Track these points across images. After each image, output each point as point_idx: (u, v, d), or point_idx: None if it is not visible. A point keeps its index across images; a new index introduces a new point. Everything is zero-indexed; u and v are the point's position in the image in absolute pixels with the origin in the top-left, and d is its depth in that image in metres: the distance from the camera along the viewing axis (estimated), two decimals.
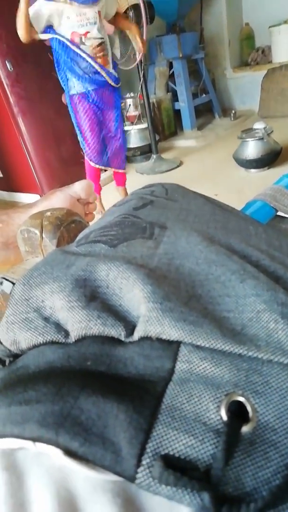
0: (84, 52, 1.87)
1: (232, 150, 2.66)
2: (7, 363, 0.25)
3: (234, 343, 0.21)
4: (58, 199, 0.64)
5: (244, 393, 0.19)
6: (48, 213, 0.57)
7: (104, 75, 1.95)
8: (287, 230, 0.59)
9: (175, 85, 3.76)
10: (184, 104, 3.75)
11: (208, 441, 0.17)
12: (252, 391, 0.19)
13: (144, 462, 0.16)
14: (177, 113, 3.89)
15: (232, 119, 3.99)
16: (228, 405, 0.18)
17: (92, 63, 1.89)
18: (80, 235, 0.39)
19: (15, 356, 0.25)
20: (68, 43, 1.84)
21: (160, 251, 0.30)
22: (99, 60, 1.91)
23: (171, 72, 3.77)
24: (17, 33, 2.38)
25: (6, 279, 0.45)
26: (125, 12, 2.84)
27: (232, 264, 0.27)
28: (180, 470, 0.16)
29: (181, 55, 3.53)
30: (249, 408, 0.18)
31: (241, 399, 0.19)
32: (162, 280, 0.25)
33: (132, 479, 0.16)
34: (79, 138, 2.16)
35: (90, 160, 2.20)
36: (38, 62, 2.55)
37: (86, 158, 2.22)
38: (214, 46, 4.19)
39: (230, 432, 0.17)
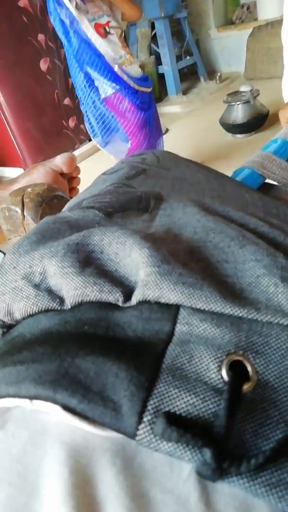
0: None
1: (218, 115, 2.60)
2: (0, 334, 0.24)
3: (234, 306, 0.21)
4: (39, 174, 0.62)
5: (244, 353, 0.19)
6: (29, 190, 0.55)
7: (140, 88, 1.78)
8: (277, 197, 0.58)
9: (158, 47, 3.60)
10: (168, 68, 3.62)
11: (209, 400, 0.17)
12: (253, 351, 0.19)
13: (145, 419, 0.16)
14: (161, 77, 3.75)
15: (217, 82, 3.87)
16: (229, 365, 0.18)
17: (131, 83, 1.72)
18: (71, 203, 0.37)
19: (9, 327, 0.25)
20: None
21: (156, 223, 0.30)
22: (127, 50, 1.75)
23: (153, 33, 3.61)
24: None
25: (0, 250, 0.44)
26: None
27: (231, 231, 0.27)
28: (182, 427, 0.16)
29: (163, 15, 3.36)
30: (249, 368, 0.18)
31: (241, 358, 0.19)
32: (160, 243, 0.25)
33: (133, 436, 0.16)
34: (126, 135, 1.90)
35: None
36: (11, 25, 2.40)
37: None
38: (197, 3, 4.00)
39: (231, 390, 0.17)
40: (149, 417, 0.17)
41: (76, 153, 2.97)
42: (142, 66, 3.50)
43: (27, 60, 2.53)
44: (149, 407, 0.17)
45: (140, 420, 0.16)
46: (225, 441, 0.16)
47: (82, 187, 0.67)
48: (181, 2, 3.66)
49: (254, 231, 0.28)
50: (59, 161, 0.62)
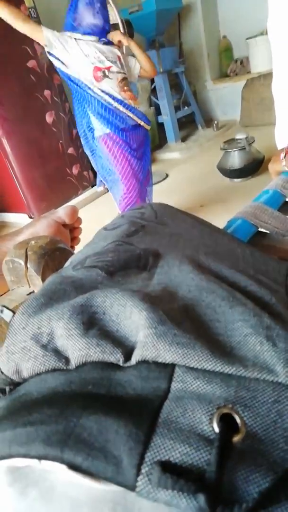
0: (114, 99, 1.79)
1: (216, 160, 2.70)
2: (7, 392, 0.26)
3: (224, 364, 0.22)
4: (42, 226, 0.65)
5: (233, 407, 0.20)
6: (32, 242, 0.58)
7: (135, 118, 1.86)
8: (269, 246, 0.60)
9: (157, 99, 3.82)
10: (167, 117, 3.81)
11: (202, 449, 0.18)
12: (241, 405, 0.21)
13: (143, 471, 0.17)
14: (161, 126, 3.95)
15: (215, 129, 4.06)
16: (219, 418, 0.20)
17: (123, 109, 1.81)
18: (75, 260, 0.40)
19: (15, 384, 0.26)
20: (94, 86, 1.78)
21: (154, 282, 0.32)
22: (128, 94, 1.83)
23: (153, 86, 3.84)
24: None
25: (7, 308, 0.46)
26: None
27: (222, 291, 0.29)
28: (177, 475, 0.17)
29: (161, 70, 3.60)
30: (238, 420, 0.19)
31: (231, 411, 0.20)
32: (157, 302, 0.27)
33: (132, 488, 0.17)
34: (120, 182, 1.97)
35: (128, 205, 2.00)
36: (21, 82, 2.58)
37: (122, 203, 2.01)
38: (193, 59, 4.29)
39: (221, 440, 0.18)
40: (146, 469, 0.18)
41: (79, 198, 3.07)
42: None
43: (34, 113, 2.68)
44: (147, 459, 0.18)
45: (138, 472, 0.17)
46: (217, 487, 0.17)
47: (83, 233, 0.70)
48: (179, 58, 3.92)
49: (244, 289, 0.30)
50: (61, 213, 0.65)
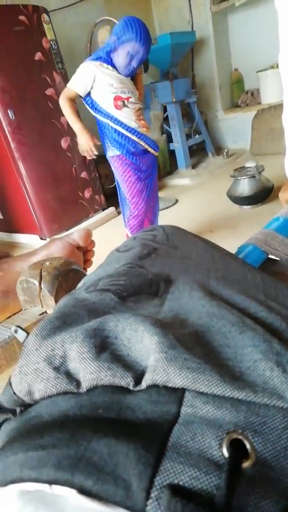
0: (129, 130, 1.93)
1: (226, 187, 2.74)
2: (18, 413, 0.26)
3: (234, 389, 0.22)
4: (57, 248, 0.66)
5: (243, 432, 0.20)
6: (47, 263, 0.59)
7: (145, 145, 1.98)
8: (279, 273, 0.60)
9: (169, 127, 3.92)
10: (178, 145, 3.90)
11: (211, 473, 0.18)
12: (251, 430, 0.21)
13: (152, 495, 0.17)
14: (172, 153, 4.03)
15: (225, 157, 4.13)
16: (229, 443, 0.20)
17: (135, 138, 1.94)
18: (88, 281, 0.40)
19: (26, 406, 0.26)
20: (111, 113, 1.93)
21: (165, 308, 0.32)
22: (142, 123, 1.96)
23: (165, 115, 3.95)
24: (19, 83, 2.53)
25: (21, 328, 0.47)
26: None
27: (232, 317, 0.29)
28: (186, 499, 0.17)
29: (174, 100, 3.71)
30: (248, 446, 0.19)
31: (240, 437, 0.20)
32: (168, 328, 0.27)
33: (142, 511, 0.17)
34: (127, 200, 2.12)
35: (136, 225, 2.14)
36: (38, 109, 2.68)
37: (131, 221, 2.14)
38: (205, 90, 4.42)
39: (231, 465, 0.18)
40: (156, 493, 0.18)
41: (90, 221, 3.11)
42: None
43: (49, 139, 2.77)
44: (156, 483, 0.18)
45: (148, 496, 0.17)
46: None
47: (96, 255, 0.71)
48: (191, 89, 4.05)
49: (254, 315, 0.31)
50: (76, 236, 0.66)
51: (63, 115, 2.06)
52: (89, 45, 3.31)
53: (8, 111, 2.52)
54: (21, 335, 0.46)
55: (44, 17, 2.66)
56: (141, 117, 1.98)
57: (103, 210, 3.26)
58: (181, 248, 0.46)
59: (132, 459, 0.19)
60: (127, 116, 1.92)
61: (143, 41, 1.80)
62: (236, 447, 0.20)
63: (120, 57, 1.85)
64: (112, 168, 2.09)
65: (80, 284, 0.42)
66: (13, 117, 2.54)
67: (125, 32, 1.79)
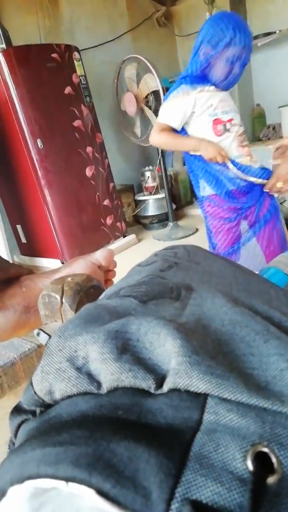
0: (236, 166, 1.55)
1: None
2: (37, 413, 0.26)
3: (259, 397, 0.21)
4: (80, 266, 0.68)
5: (269, 445, 0.19)
6: (69, 279, 0.60)
7: (254, 179, 1.59)
8: None
9: None
10: None
11: (234, 489, 0.17)
12: (277, 443, 0.19)
13: (173, 507, 0.17)
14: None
15: None
16: (254, 456, 0.19)
17: (241, 175, 1.56)
18: (109, 292, 0.41)
19: (46, 407, 0.26)
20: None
21: (187, 312, 0.32)
22: (245, 150, 1.61)
23: None
24: (49, 114, 2.66)
25: (43, 331, 0.48)
26: (146, 97, 3.15)
27: (256, 325, 0.28)
28: None
29: None
30: (274, 460, 0.19)
31: (266, 450, 0.19)
32: (190, 334, 0.26)
33: None
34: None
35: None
36: (66, 139, 2.80)
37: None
38: None
39: (255, 481, 0.17)
40: (176, 505, 0.17)
41: (111, 247, 3.15)
42: (176, 174, 3.87)
43: (75, 167, 2.87)
44: (177, 495, 0.17)
45: (168, 508, 0.17)
46: None
47: (115, 278, 0.72)
48: None
49: (278, 325, 0.30)
50: (99, 256, 0.68)
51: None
52: (116, 81, 3.47)
53: (37, 140, 2.64)
54: (43, 337, 0.46)
55: (75, 55, 2.83)
56: (244, 143, 1.61)
57: (124, 237, 3.30)
58: (202, 264, 0.47)
59: (153, 466, 0.18)
60: (228, 144, 1.55)
61: (243, 41, 1.39)
62: (261, 460, 0.19)
63: (218, 70, 1.47)
64: (204, 212, 1.70)
65: (101, 296, 0.43)
66: (42, 146, 2.66)
67: (220, 36, 1.39)
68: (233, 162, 1.57)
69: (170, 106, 1.56)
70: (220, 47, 1.41)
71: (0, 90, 2.60)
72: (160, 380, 0.24)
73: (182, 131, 1.61)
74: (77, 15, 3.52)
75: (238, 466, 0.18)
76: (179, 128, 1.57)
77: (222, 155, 1.52)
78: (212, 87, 1.53)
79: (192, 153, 1.60)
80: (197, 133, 1.57)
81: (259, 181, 1.59)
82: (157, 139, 1.61)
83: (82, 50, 3.02)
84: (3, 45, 2.61)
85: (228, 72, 1.48)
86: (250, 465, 0.18)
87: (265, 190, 1.57)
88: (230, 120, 1.55)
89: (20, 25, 3.12)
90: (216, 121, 1.53)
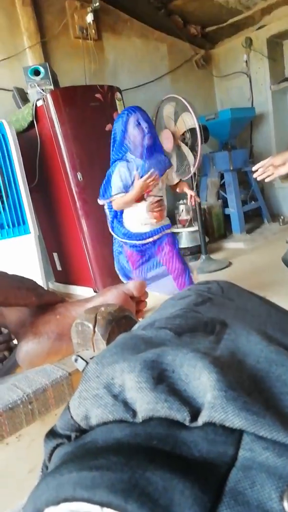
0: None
1: (280, 253, 2.68)
2: (73, 438, 0.26)
3: None
4: (112, 295, 0.69)
5: None
6: (102, 309, 0.62)
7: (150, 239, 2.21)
8: None
9: (226, 193, 4.03)
10: (233, 210, 3.97)
11: None
12: None
13: None
14: (227, 217, 4.10)
15: (281, 224, 4.11)
16: None
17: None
18: (143, 323, 0.41)
19: (81, 432, 0.26)
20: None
21: (222, 346, 0.32)
22: (154, 215, 2.18)
23: (222, 182, 4.09)
24: (89, 150, 2.80)
25: (81, 357, 0.49)
26: (183, 134, 3.25)
27: None
28: None
29: (231, 168, 3.86)
30: None
31: None
32: (226, 369, 0.26)
33: None
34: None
35: None
36: (104, 173, 2.91)
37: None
38: (262, 160, 4.54)
39: None
40: None
41: None
42: (209, 208, 3.90)
43: None
44: None
45: None
46: None
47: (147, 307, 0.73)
48: (249, 159, 4.19)
49: None
50: (131, 286, 0.69)
51: None
52: (155, 118, 3.61)
53: (77, 173, 2.78)
54: (80, 364, 0.48)
55: (117, 95, 2.99)
56: (157, 209, 2.17)
57: None
58: (236, 300, 0.47)
59: (188, 498, 0.18)
60: (139, 211, 2.13)
61: (138, 111, 2.01)
62: None
63: (132, 136, 2.04)
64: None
65: (135, 327, 0.44)
66: (81, 179, 2.79)
67: (119, 119, 2.04)
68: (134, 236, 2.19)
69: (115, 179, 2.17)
70: (122, 125, 2.04)
71: (46, 126, 2.78)
72: (195, 412, 0.23)
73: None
74: (121, 59, 3.77)
75: (274, 506, 0.18)
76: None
77: (151, 181, 2.04)
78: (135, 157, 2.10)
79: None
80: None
81: (159, 236, 2.20)
82: (119, 206, 2.22)
83: (124, 90, 3.19)
84: (51, 87, 2.82)
85: (140, 135, 2.06)
86: (286, 506, 0.18)
87: (254, 172, 1.85)
88: (148, 192, 2.10)
89: (68, 69, 3.37)
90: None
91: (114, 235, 2.29)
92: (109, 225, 2.33)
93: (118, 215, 2.23)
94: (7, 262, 2.57)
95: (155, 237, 2.21)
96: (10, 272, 0.73)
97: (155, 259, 2.30)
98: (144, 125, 2.03)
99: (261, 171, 1.77)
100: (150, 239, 2.21)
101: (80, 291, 3.18)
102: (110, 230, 2.33)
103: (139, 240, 2.21)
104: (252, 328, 0.35)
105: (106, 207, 2.27)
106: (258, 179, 1.79)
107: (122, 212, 2.21)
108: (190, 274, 2.31)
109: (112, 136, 2.13)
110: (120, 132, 2.07)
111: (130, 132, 2.04)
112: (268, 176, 1.75)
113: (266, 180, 1.77)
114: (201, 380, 0.25)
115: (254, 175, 1.79)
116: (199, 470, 0.20)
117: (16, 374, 0.68)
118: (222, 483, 0.19)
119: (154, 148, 2.11)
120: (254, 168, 1.80)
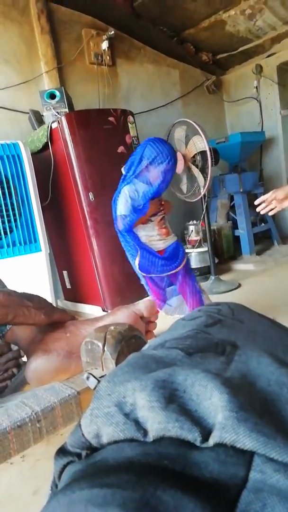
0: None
1: None
2: (83, 456, 0.26)
3: None
4: (123, 315, 0.70)
5: None
6: (112, 328, 0.63)
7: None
8: None
9: (235, 215, 4.05)
10: (243, 232, 3.97)
11: None
12: None
13: None
14: (237, 238, 4.10)
15: None
16: None
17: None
18: (153, 343, 0.41)
19: (92, 450, 0.26)
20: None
21: (232, 367, 0.32)
22: (163, 231, 2.27)
23: (232, 204, 4.11)
24: (101, 170, 2.86)
25: (93, 375, 0.49)
26: (193, 156, 3.30)
27: None
28: None
29: (241, 190, 3.89)
30: None
31: None
32: (237, 390, 0.26)
33: None
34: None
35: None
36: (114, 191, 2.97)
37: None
38: (272, 183, 4.57)
39: None
40: None
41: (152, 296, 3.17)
42: (219, 229, 3.91)
43: None
44: None
45: None
46: None
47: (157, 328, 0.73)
48: (259, 181, 4.23)
49: None
50: (141, 307, 0.70)
51: None
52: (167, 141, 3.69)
53: (89, 193, 2.82)
54: (92, 382, 0.48)
55: (130, 118, 3.07)
56: (163, 226, 2.27)
57: None
58: (246, 322, 0.47)
59: None
60: (148, 229, 2.23)
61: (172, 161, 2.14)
62: None
63: (151, 175, 2.10)
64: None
65: (145, 346, 0.44)
66: (93, 199, 2.83)
67: (157, 155, 2.07)
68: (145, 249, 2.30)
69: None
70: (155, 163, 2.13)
71: (60, 148, 2.85)
72: (206, 433, 0.24)
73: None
74: (134, 84, 3.88)
75: None
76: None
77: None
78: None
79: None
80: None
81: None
82: None
83: (136, 114, 3.27)
84: (66, 110, 2.91)
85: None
86: None
87: (257, 205, 1.84)
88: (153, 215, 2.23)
89: (82, 93, 3.48)
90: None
91: (144, 274, 2.37)
92: (136, 265, 2.39)
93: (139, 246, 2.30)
94: (17, 278, 2.60)
95: (180, 266, 2.28)
96: (20, 290, 0.75)
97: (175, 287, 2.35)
98: (167, 176, 2.13)
99: (264, 205, 1.76)
100: (180, 267, 2.29)
101: (89, 310, 3.18)
102: (137, 271, 2.40)
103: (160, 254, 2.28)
104: (263, 350, 0.35)
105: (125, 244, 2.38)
106: (262, 212, 1.79)
107: (140, 243, 2.28)
108: (201, 295, 2.34)
109: (137, 156, 2.16)
110: (147, 161, 2.10)
111: (153, 171, 2.10)
112: (271, 210, 1.75)
113: (269, 214, 1.77)
114: (212, 401, 0.25)
115: (257, 209, 1.79)
116: (210, 490, 0.20)
117: (25, 392, 0.68)
118: (233, 504, 0.20)
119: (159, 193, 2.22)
120: (256, 202, 1.79)
